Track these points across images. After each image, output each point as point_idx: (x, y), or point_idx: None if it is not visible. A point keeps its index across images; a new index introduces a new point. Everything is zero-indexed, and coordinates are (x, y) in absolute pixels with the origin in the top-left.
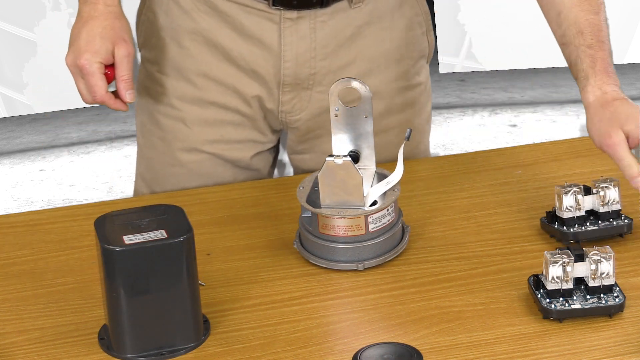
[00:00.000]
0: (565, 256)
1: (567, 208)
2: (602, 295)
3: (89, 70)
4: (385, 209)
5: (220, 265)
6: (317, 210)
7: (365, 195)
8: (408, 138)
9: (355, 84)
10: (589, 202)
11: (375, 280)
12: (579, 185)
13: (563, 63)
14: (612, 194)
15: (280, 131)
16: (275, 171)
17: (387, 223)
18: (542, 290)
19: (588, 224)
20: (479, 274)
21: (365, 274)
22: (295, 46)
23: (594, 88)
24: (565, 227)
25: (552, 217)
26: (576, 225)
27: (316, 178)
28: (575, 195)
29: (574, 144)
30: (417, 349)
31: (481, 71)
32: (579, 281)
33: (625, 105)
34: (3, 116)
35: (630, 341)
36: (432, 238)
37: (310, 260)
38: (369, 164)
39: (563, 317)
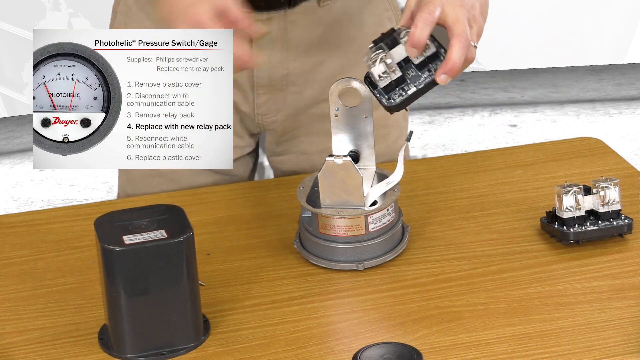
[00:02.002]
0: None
1: (567, 208)
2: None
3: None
4: (385, 209)
5: (220, 265)
6: (317, 210)
7: (365, 195)
8: (409, 140)
9: (355, 84)
10: (589, 202)
11: (375, 280)
12: (579, 185)
13: (563, 63)
14: (612, 194)
15: (259, 134)
16: (256, 175)
17: (387, 223)
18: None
19: (588, 224)
20: (479, 274)
21: (365, 274)
22: (267, 48)
23: None
24: (565, 227)
25: (552, 217)
26: (576, 225)
27: (316, 178)
28: (575, 195)
29: (574, 144)
30: (417, 349)
31: (481, 71)
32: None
33: None
34: (3, 116)
35: (630, 341)
36: (432, 238)
37: (310, 260)
38: (369, 164)
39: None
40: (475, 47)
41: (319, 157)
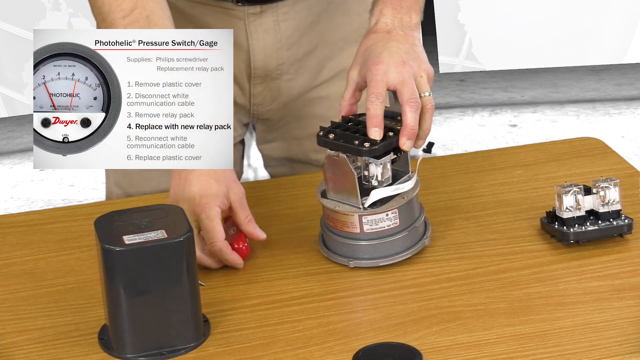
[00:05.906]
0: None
1: (567, 208)
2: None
3: (209, 214)
4: (384, 214)
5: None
6: (321, 200)
7: (369, 194)
8: (429, 151)
9: None
10: (589, 202)
11: (375, 280)
12: (579, 185)
13: (563, 63)
14: (612, 194)
15: (249, 124)
16: (251, 174)
17: (386, 228)
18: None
19: (588, 224)
20: (479, 274)
21: (365, 274)
22: (261, 39)
23: (373, 16)
24: (565, 227)
25: (552, 217)
26: (576, 225)
27: None
28: (575, 195)
29: (574, 144)
30: (417, 349)
31: (481, 71)
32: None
33: (380, 45)
34: (3, 116)
35: (630, 341)
36: (432, 238)
37: (319, 247)
38: None
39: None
40: (430, 94)
41: (310, 142)
